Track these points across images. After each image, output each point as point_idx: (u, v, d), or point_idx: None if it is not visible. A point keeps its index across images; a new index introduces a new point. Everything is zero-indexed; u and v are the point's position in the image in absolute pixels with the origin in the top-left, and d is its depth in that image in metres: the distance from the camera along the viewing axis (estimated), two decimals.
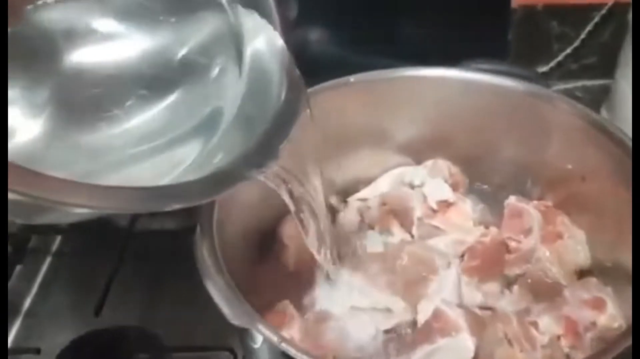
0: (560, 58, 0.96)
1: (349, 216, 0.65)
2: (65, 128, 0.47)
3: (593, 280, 0.55)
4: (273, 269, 0.59)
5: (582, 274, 0.58)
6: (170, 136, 0.49)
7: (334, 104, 0.62)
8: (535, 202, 0.62)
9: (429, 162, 0.65)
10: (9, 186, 0.32)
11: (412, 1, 0.87)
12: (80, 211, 0.38)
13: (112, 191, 0.37)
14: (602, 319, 0.50)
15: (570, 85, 0.98)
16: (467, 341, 0.49)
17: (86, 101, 0.49)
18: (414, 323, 0.55)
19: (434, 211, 0.61)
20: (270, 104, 0.46)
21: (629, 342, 0.41)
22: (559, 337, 0.51)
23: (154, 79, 0.50)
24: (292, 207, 0.47)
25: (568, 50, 0.95)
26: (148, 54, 0.50)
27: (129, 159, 0.48)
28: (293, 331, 0.54)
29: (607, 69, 0.88)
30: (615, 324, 0.50)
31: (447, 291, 0.54)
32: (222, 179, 0.42)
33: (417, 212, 0.61)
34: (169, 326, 0.64)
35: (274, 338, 0.42)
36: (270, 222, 0.61)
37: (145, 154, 0.48)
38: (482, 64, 0.65)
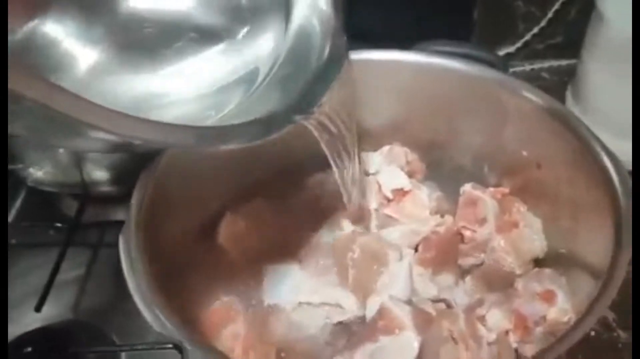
0: (526, 38, 0.93)
1: (301, 203, 0.62)
2: (117, 64, 0.51)
3: (547, 271, 0.53)
4: (217, 266, 0.57)
5: (537, 263, 0.56)
6: (214, 84, 0.51)
7: None
8: (491, 189, 0.60)
9: (385, 149, 0.63)
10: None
11: None
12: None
13: (168, 127, 0.38)
14: (552, 313, 0.49)
15: (536, 65, 0.96)
16: (411, 340, 0.47)
17: (138, 40, 0.53)
18: (364, 318, 0.53)
19: (389, 200, 0.59)
20: (314, 59, 0.49)
21: (577, 337, 0.40)
22: (507, 332, 0.49)
23: (205, 26, 0.54)
24: (328, 153, 0.51)
25: (534, 30, 0.93)
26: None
27: (176, 99, 0.51)
28: (238, 326, 0.52)
29: (574, 49, 0.86)
30: (565, 318, 0.48)
31: (398, 285, 0.52)
32: (270, 122, 0.43)
33: (372, 202, 0.59)
34: (115, 321, 0.62)
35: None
36: (211, 217, 0.60)
37: (190, 97, 0.51)
38: (441, 46, 0.63)
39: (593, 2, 0.78)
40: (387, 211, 0.58)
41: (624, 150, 0.53)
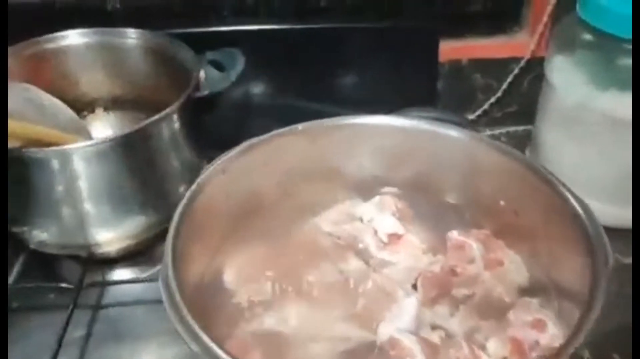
0: (485, 107, 1.00)
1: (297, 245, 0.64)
2: None
3: (533, 302, 0.55)
4: (225, 307, 0.58)
5: (523, 291, 0.59)
6: None
7: (285, 148, 0.65)
8: (474, 231, 0.63)
9: (376, 199, 0.66)
10: None
11: (353, 58, 0.92)
12: None
13: None
14: (545, 339, 0.51)
15: (495, 131, 1.02)
16: None
17: None
18: (371, 345, 0.54)
19: (385, 244, 0.62)
20: None
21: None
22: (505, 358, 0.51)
23: None
24: None
25: (492, 100, 1.00)
26: None
27: None
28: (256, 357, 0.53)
29: (528, 115, 0.93)
30: (557, 343, 0.50)
31: (406, 319, 0.54)
32: None
33: (371, 246, 0.61)
34: None
35: None
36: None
37: None
38: (417, 112, 0.69)
39: (542, 75, 0.86)
40: (384, 254, 0.61)
41: None
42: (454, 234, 0.62)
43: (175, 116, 0.75)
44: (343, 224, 0.65)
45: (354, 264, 0.61)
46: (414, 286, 0.59)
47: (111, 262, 0.79)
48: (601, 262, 0.49)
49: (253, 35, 0.90)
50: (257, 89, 0.92)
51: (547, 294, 0.58)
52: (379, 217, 0.63)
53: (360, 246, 0.62)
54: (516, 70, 0.97)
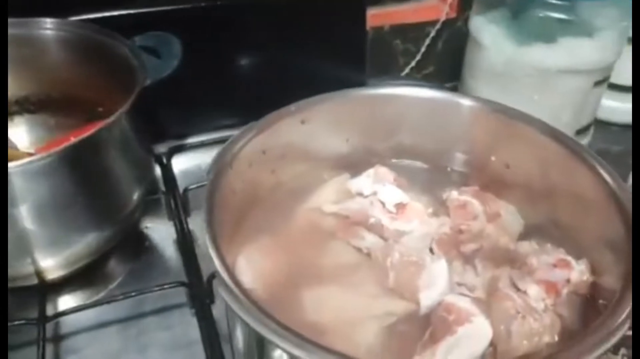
0: (407, 71, 1.04)
1: (301, 230, 0.62)
2: None
3: (548, 246, 0.58)
4: None
5: (521, 235, 0.62)
6: None
7: (280, 131, 0.62)
8: (465, 188, 0.65)
9: (371, 171, 0.65)
10: None
11: (288, 44, 0.91)
12: None
13: None
14: (574, 275, 0.54)
15: None
16: (484, 324, 0.49)
17: None
18: (416, 315, 0.54)
19: (395, 214, 0.61)
20: None
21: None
22: (544, 300, 0.53)
23: None
24: None
25: (412, 64, 1.04)
26: None
27: None
28: None
29: (445, 75, 0.99)
30: (585, 277, 0.54)
31: (442, 283, 0.54)
32: None
33: (383, 219, 0.61)
34: None
35: None
36: None
37: None
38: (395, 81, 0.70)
39: (459, 33, 0.90)
40: (397, 224, 0.60)
41: None
42: (454, 195, 0.64)
43: (124, 116, 0.66)
44: (345, 202, 0.64)
45: (369, 239, 0.60)
46: (431, 250, 0.60)
47: (63, 286, 0.72)
48: (629, 205, 0.52)
49: (183, 14, 0.83)
50: (190, 73, 0.87)
51: (548, 235, 0.61)
52: (381, 189, 0.63)
53: (372, 220, 0.61)
54: (433, 33, 1.01)
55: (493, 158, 0.65)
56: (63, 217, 0.64)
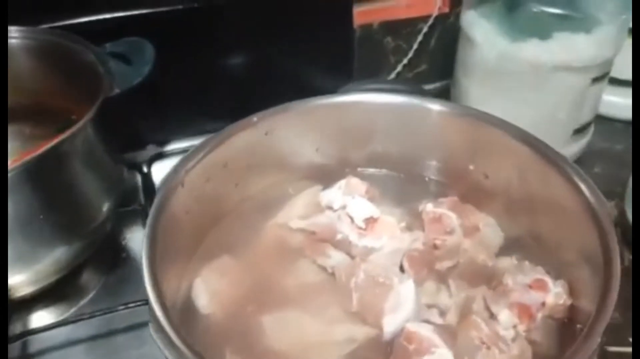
0: (399, 69, 0.99)
1: (267, 247, 0.59)
2: None
3: (526, 263, 0.55)
4: (205, 335, 0.52)
5: (502, 251, 0.58)
6: None
7: (241, 143, 0.59)
8: (443, 199, 0.61)
9: (342, 182, 0.62)
10: None
11: (269, 45, 0.86)
12: None
13: None
14: (550, 298, 0.50)
15: None
16: (446, 356, 0.46)
17: None
18: (378, 341, 0.51)
19: (364, 230, 0.58)
20: None
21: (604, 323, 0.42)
22: (515, 326, 0.50)
23: None
24: None
25: (404, 62, 0.99)
26: None
27: None
28: None
29: (438, 73, 0.94)
30: (561, 301, 0.50)
31: (409, 306, 0.51)
32: None
33: (351, 235, 0.57)
34: None
35: None
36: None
37: None
38: (368, 85, 0.66)
39: (451, 28, 0.85)
40: (366, 241, 0.57)
41: None
42: (430, 207, 0.60)
43: (89, 126, 0.64)
44: (313, 216, 0.61)
45: (336, 257, 0.57)
46: (401, 268, 0.57)
47: (33, 303, 0.69)
48: (606, 219, 0.48)
49: (160, 18, 0.80)
50: (169, 78, 0.84)
51: (528, 250, 0.58)
52: (351, 202, 0.59)
53: (339, 236, 0.58)
54: (425, 29, 0.96)
55: (471, 167, 0.62)
56: (28, 232, 0.62)
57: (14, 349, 0.63)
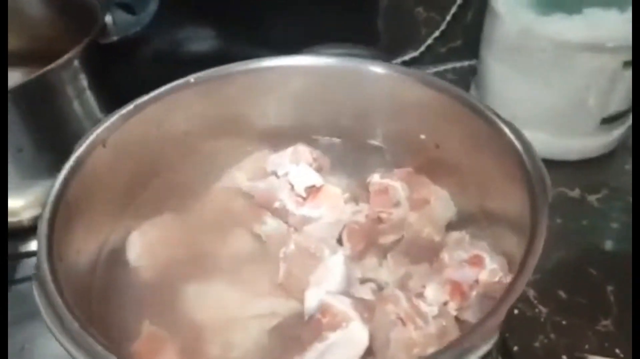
0: (429, 42, 0.92)
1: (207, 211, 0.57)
2: None
3: (465, 237, 0.49)
4: (133, 291, 0.51)
5: (453, 226, 0.53)
6: None
7: (179, 105, 0.57)
8: (396, 170, 0.57)
9: (289, 149, 0.58)
10: None
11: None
12: None
13: None
14: (484, 275, 0.45)
15: (440, 68, 0.93)
16: (360, 331, 0.42)
17: None
18: (300, 316, 0.47)
19: (303, 199, 0.54)
20: None
21: (516, 295, 0.38)
22: (445, 303, 0.45)
23: None
24: None
25: (436, 34, 0.91)
26: None
27: None
28: (171, 353, 0.46)
29: (473, 49, 0.84)
30: (496, 278, 0.44)
31: (335, 279, 0.47)
32: None
33: (288, 203, 0.54)
34: None
35: None
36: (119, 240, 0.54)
37: None
38: (326, 49, 0.62)
39: (487, 3, 0.78)
40: (304, 211, 0.53)
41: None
42: (376, 178, 0.55)
43: (76, 64, 0.66)
44: (257, 180, 0.58)
45: (272, 225, 0.54)
46: (339, 241, 0.52)
47: (23, 232, 0.70)
48: (539, 189, 0.43)
49: None
50: (174, 31, 0.83)
51: (478, 224, 0.52)
52: (294, 170, 0.55)
53: (277, 204, 0.54)
54: (459, 1, 0.88)
55: (422, 136, 0.56)
56: (15, 161, 0.65)
57: (14, 270, 0.65)
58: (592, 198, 0.71)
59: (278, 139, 0.60)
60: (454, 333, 0.43)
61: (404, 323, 0.42)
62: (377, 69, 0.57)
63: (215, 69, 0.57)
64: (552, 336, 0.56)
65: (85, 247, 0.50)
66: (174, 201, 0.57)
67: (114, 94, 0.67)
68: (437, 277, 0.46)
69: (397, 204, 0.53)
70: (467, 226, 0.52)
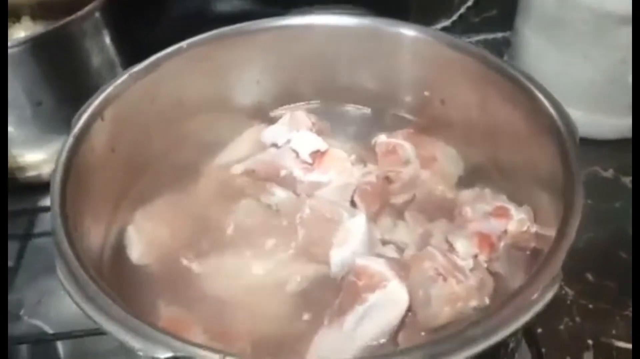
0: (462, 11, 0.89)
1: (207, 189, 0.55)
2: None
3: (487, 191, 0.50)
4: (139, 283, 0.48)
5: (462, 181, 0.54)
6: None
7: (172, 74, 0.53)
8: (401, 131, 0.56)
9: (286, 117, 0.56)
10: None
11: None
12: None
13: None
14: (512, 226, 0.46)
15: (472, 39, 0.90)
16: (399, 290, 0.42)
17: None
18: (326, 278, 0.47)
19: (310, 165, 0.53)
20: None
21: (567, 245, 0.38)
22: (475, 256, 0.45)
23: None
24: None
25: (469, 3, 0.88)
26: None
27: None
28: (196, 330, 0.44)
29: (508, 20, 0.81)
30: (525, 228, 0.46)
31: (357, 240, 0.46)
32: None
33: (295, 170, 0.52)
34: (50, 314, 0.56)
35: None
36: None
37: None
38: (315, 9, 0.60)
39: None
40: (312, 176, 0.52)
41: None
42: (382, 138, 0.55)
43: (98, 16, 0.64)
44: (255, 155, 0.56)
45: (280, 195, 0.52)
46: (352, 203, 0.52)
47: (42, 186, 0.65)
48: (569, 140, 0.44)
49: None
50: None
51: (489, 179, 0.53)
52: (296, 136, 0.54)
53: (283, 173, 0.53)
54: None
55: (426, 93, 0.56)
56: (35, 113, 0.64)
57: (19, 226, 0.63)
58: (626, 180, 0.68)
59: (271, 109, 0.59)
60: (490, 285, 0.44)
61: (444, 278, 0.43)
62: (374, 24, 0.57)
63: (208, 33, 0.54)
64: (578, 319, 0.56)
65: (94, 229, 0.46)
66: (167, 186, 0.54)
67: (137, 50, 0.61)
68: (461, 232, 0.47)
69: (406, 163, 0.53)
70: (477, 182, 0.52)
